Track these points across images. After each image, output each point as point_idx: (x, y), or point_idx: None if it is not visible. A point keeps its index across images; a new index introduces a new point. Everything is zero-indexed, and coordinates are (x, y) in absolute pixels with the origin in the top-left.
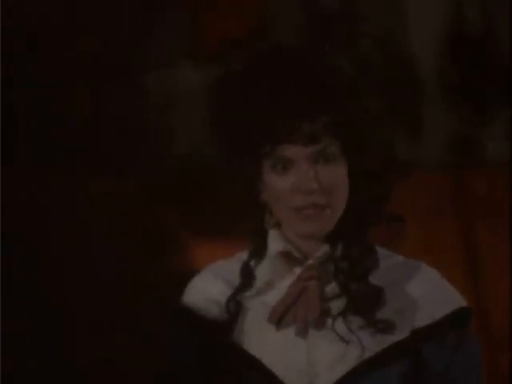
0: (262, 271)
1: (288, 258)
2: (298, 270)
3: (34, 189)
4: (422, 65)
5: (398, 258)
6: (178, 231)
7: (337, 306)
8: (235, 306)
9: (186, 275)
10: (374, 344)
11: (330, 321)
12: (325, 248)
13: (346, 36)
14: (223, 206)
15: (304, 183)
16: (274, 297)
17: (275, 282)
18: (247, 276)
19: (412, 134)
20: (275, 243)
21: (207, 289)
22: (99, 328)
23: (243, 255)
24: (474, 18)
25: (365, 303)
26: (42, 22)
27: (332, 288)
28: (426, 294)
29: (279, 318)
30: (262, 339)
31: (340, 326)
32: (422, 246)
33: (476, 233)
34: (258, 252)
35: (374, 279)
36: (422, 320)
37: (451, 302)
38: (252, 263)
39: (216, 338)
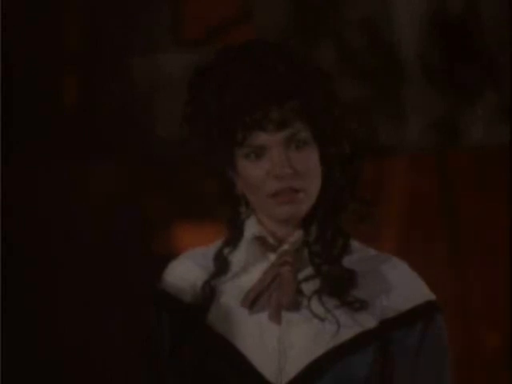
0: (238, 257)
1: (263, 243)
2: (272, 256)
3: (25, 172)
4: (406, 49)
5: (369, 251)
6: (161, 216)
7: (310, 288)
8: (210, 290)
9: (168, 258)
10: (348, 322)
11: (305, 302)
12: (299, 233)
13: (330, 21)
14: (202, 193)
15: (277, 169)
16: (247, 282)
17: (250, 267)
18: (221, 263)
19: (395, 118)
20: (251, 229)
21: (184, 273)
22: (85, 309)
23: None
24: (457, 2)
25: (338, 284)
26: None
27: (305, 273)
28: (396, 285)
29: (252, 303)
30: (235, 323)
31: (315, 305)
32: (406, 231)
33: (459, 216)
34: (234, 239)
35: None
36: (391, 310)
37: (419, 295)
38: (226, 250)
39: (190, 322)
